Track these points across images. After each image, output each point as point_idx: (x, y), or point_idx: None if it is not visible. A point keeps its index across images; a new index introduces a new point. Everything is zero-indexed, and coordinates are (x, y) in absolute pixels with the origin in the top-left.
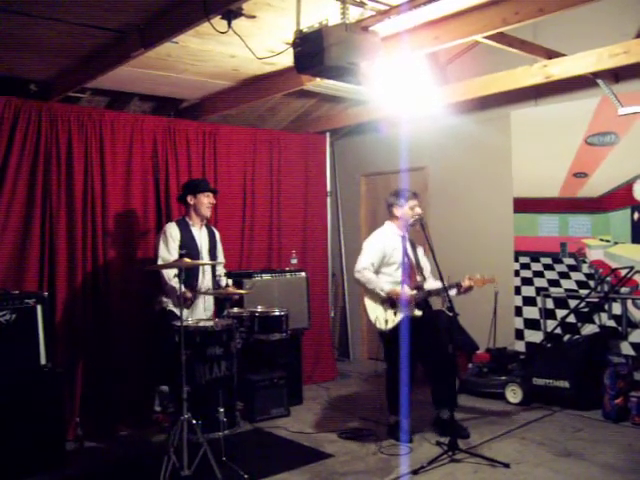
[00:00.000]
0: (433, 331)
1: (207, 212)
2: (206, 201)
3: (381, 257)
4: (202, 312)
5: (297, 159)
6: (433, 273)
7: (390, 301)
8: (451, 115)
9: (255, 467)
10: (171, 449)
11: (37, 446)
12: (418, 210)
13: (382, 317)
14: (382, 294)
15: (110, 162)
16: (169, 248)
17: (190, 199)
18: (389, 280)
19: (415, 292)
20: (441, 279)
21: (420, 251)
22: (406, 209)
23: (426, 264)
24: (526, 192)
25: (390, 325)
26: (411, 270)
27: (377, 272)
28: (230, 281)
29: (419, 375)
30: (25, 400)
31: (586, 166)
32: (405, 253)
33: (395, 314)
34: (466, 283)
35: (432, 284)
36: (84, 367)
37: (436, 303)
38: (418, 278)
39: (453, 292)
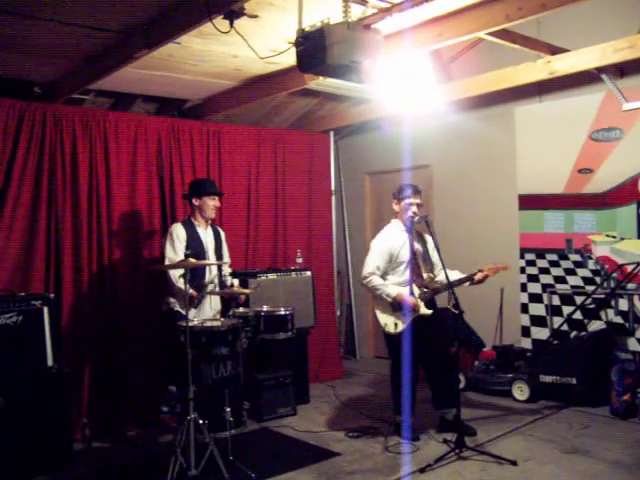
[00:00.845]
0: (436, 332)
1: (212, 214)
2: (211, 204)
3: (388, 258)
4: (209, 312)
5: (301, 158)
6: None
7: (398, 305)
8: (455, 112)
9: (262, 466)
10: (178, 449)
11: (45, 447)
12: (413, 209)
13: (391, 321)
14: (389, 300)
15: (115, 163)
16: (175, 249)
17: (195, 201)
18: (398, 281)
19: (421, 291)
20: (447, 278)
21: (429, 241)
22: (402, 205)
23: (435, 255)
24: (531, 189)
25: (400, 328)
26: (419, 269)
27: (386, 273)
28: (236, 281)
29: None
30: (32, 401)
31: (591, 162)
32: (412, 251)
33: (405, 315)
34: (478, 276)
35: (443, 277)
36: (91, 368)
37: (442, 300)
38: (425, 275)
39: (466, 283)
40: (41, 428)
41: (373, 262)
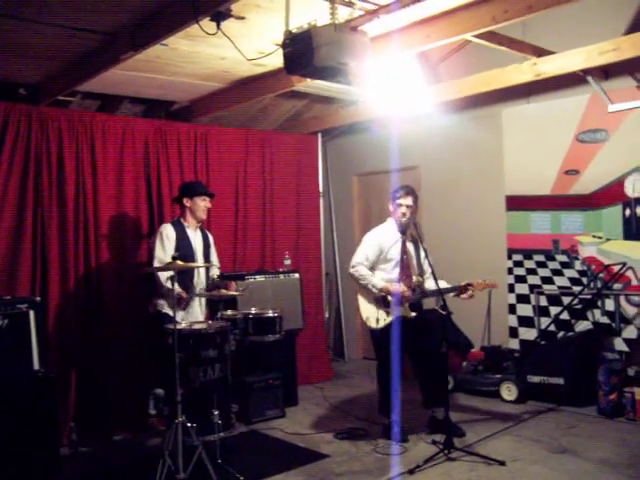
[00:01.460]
0: (425, 332)
1: (203, 215)
2: (202, 204)
3: (378, 252)
4: (198, 314)
5: (289, 160)
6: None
7: (383, 299)
8: (443, 114)
9: (251, 469)
10: (166, 452)
11: (31, 452)
12: (402, 210)
13: (374, 316)
14: (374, 291)
15: (101, 165)
16: (165, 248)
17: (186, 201)
18: (385, 277)
19: (408, 290)
20: (435, 281)
21: (422, 251)
22: (394, 206)
23: (426, 263)
24: (518, 190)
25: (381, 324)
26: (408, 269)
27: (374, 268)
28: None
29: (411, 374)
30: (19, 406)
31: (577, 163)
32: (403, 251)
33: (387, 314)
34: (468, 294)
35: (431, 285)
36: (78, 372)
37: (429, 302)
38: (414, 278)
39: (451, 294)
40: (27, 433)
41: (362, 252)
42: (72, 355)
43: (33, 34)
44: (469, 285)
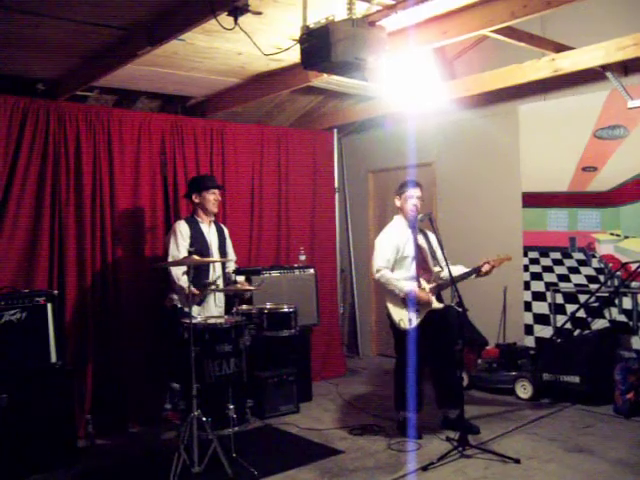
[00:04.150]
0: (442, 329)
1: (213, 209)
2: (211, 198)
3: (395, 253)
4: (213, 309)
5: (305, 156)
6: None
7: (410, 302)
8: (459, 110)
9: (265, 463)
10: (181, 446)
11: (48, 443)
12: (414, 201)
13: (407, 317)
14: (402, 295)
15: (118, 160)
16: (178, 246)
17: (195, 197)
18: (406, 275)
19: (431, 294)
20: (450, 276)
21: (433, 238)
22: (403, 199)
23: (439, 252)
24: (535, 187)
25: (414, 323)
26: (425, 263)
27: (393, 268)
28: (241, 277)
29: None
30: (36, 398)
31: (595, 160)
32: (417, 245)
33: (418, 312)
34: (485, 268)
35: (453, 271)
36: (94, 364)
37: (445, 298)
38: (436, 269)
39: (473, 275)
40: (45, 425)
41: (382, 256)
42: (89, 348)
43: (51, 30)
44: (487, 263)
